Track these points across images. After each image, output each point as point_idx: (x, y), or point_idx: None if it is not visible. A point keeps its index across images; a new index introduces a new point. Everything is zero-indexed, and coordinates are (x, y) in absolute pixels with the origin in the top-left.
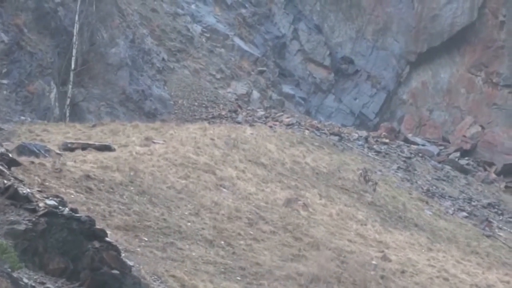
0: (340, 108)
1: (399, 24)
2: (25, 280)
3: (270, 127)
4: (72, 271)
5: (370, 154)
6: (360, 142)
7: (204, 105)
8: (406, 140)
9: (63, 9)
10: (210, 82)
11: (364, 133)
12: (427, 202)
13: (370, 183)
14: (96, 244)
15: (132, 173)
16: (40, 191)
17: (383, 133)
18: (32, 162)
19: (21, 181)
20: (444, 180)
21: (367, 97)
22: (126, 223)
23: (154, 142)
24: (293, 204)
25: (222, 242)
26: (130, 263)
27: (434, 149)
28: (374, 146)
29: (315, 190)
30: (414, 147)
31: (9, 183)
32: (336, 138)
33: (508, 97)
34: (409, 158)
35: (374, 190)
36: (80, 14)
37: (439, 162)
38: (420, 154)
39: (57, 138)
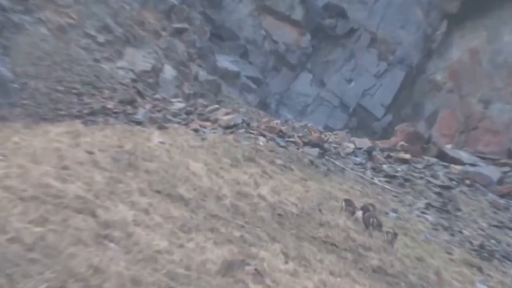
0: (322, 96)
1: None
2: None
3: (196, 131)
4: None
5: (377, 180)
6: (358, 159)
7: (75, 91)
8: (442, 156)
9: None
10: (87, 50)
11: (365, 142)
12: (480, 269)
13: (380, 233)
14: None
15: None
16: None
17: (401, 143)
18: None
19: None
20: (511, 229)
21: (371, 79)
22: None
23: None
24: (237, 271)
25: None
26: None
27: (493, 172)
28: (384, 167)
29: (276, 245)
30: (456, 168)
31: None
32: (316, 151)
33: None
34: (448, 188)
35: (392, 245)
36: None
37: (502, 196)
38: (468, 181)
39: None
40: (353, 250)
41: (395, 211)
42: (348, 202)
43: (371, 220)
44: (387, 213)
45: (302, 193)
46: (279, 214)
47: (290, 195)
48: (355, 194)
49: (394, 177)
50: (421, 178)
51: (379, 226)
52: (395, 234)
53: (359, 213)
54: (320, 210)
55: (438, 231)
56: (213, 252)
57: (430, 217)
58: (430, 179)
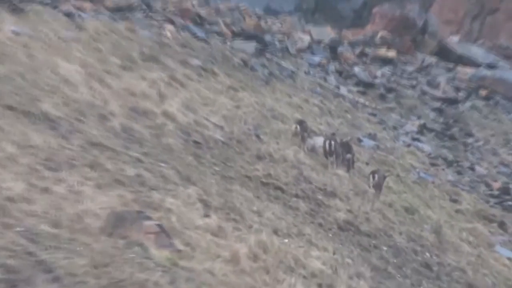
0: None
1: None
2: None
3: (69, 15)
4: None
5: (345, 90)
6: (317, 58)
7: None
8: (445, 53)
9: None
10: None
11: (327, 33)
12: (501, 225)
13: (351, 170)
14: None
15: None
16: None
17: (382, 34)
18: None
19: None
20: None
21: None
22: None
23: None
24: (130, 229)
25: None
26: None
27: None
28: (356, 70)
29: (191, 189)
30: (466, 71)
31: None
32: (252, 47)
33: None
34: (453, 102)
35: (378, 192)
36: None
37: None
38: (484, 92)
39: None
40: (308, 196)
41: (372, 137)
42: (302, 124)
43: (335, 149)
44: (360, 140)
45: (230, 110)
46: (196, 142)
47: (213, 113)
48: (312, 112)
49: (371, 85)
50: (413, 87)
51: (348, 159)
52: (384, 176)
53: (318, 140)
54: (258, 136)
55: (438, 168)
56: (95, 200)
57: (426, 146)
58: (426, 88)
